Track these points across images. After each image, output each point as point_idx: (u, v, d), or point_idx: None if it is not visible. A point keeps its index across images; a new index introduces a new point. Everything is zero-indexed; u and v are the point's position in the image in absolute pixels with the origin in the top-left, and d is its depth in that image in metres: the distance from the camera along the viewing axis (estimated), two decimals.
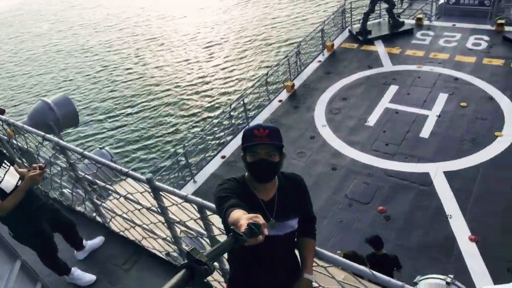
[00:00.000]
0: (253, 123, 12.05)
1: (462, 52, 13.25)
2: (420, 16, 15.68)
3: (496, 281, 6.49)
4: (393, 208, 8.49)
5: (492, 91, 11.22)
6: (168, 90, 21.48)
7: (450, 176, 8.89)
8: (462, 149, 9.54)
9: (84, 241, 4.20)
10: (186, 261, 1.33)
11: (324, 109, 12.05)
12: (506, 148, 9.22)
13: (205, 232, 2.67)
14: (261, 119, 12.27)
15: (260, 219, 1.63)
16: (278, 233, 2.32)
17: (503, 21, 13.93)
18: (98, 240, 4.24)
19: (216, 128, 12.30)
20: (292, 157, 10.42)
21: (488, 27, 14.35)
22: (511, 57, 12.46)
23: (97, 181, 3.47)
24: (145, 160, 16.33)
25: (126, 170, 2.81)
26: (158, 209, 2.82)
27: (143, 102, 20.89)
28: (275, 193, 2.37)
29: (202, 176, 10.68)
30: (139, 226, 3.33)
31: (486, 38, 13.69)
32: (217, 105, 19.11)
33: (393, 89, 12.18)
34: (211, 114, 18.16)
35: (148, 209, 2.96)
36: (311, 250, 2.48)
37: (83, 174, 3.57)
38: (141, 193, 2.82)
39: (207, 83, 21.43)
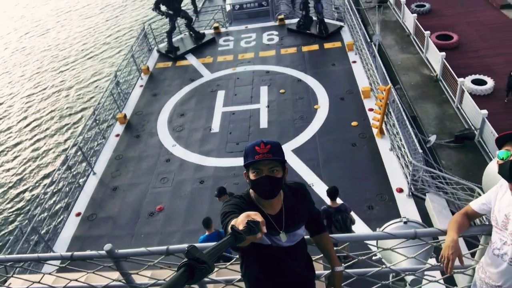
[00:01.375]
0: (96, 166, 11.08)
1: (262, 48, 15.21)
2: (216, 25, 17.15)
3: (366, 220, 7.95)
4: None
5: (297, 74, 13.33)
6: None
7: (297, 152, 10.25)
8: (296, 127, 11.09)
9: None
10: (185, 259, 1.32)
11: (166, 129, 12.01)
12: (326, 115, 11.19)
13: None
14: (103, 159, 11.37)
15: (258, 217, 1.67)
16: (290, 244, 2.40)
17: (282, 16, 16.63)
18: None
19: (58, 186, 10.73)
20: (157, 186, 10.12)
21: (273, 23, 16.89)
22: (299, 43, 15.02)
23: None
24: None
25: (69, 253, 2.35)
26: (122, 280, 2.47)
27: None
28: (281, 206, 2.41)
29: (61, 244, 9.29)
30: None
31: (276, 32, 16.08)
32: (50, 161, 16.60)
33: (221, 94, 13.08)
34: (49, 171, 15.78)
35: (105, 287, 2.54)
36: (329, 243, 2.64)
37: None
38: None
39: (29, 145, 18.21)
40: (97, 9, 32.88)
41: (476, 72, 14.45)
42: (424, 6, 19.66)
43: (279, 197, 2.41)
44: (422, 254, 2.46)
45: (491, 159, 11.55)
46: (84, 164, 11.21)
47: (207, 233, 6.83)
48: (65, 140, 17.87)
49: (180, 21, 16.49)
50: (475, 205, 2.48)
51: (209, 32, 17.07)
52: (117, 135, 12.20)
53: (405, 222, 2.71)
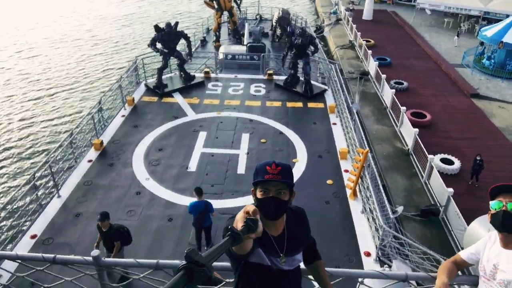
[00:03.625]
0: (63, 189, 10.64)
1: (249, 98, 15.68)
2: (207, 70, 17.68)
3: (332, 279, 7.85)
4: None
5: (279, 127, 13.70)
6: None
7: None
8: None
9: None
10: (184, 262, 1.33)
11: (142, 162, 11.84)
12: (304, 170, 11.40)
13: None
14: (71, 183, 10.97)
15: (256, 212, 1.69)
16: (289, 268, 2.41)
17: (271, 72, 17.41)
18: None
19: (18, 205, 10.14)
20: (122, 218, 9.75)
21: (262, 76, 17.62)
22: (284, 99, 15.61)
23: None
24: None
25: (52, 255, 2.23)
26: None
27: None
28: (284, 228, 2.43)
29: (7, 267, 8.55)
30: None
31: (263, 85, 16.71)
32: (16, 177, 15.77)
33: (202, 135, 13.18)
34: (12, 185, 14.92)
35: None
36: (324, 271, 2.68)
37: None
38: None
39: None
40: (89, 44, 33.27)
41: (445, 151, 15.28)
42: (402, 84, 21.10)
43: (282, 219, 2.44)
44: None
45: (453, 237, 11.91)
46: (50, 185, 10.75)
47: (196, 200, 8.15)
48: (34, 158, 17.19)
49: (172, 61, 16.88)
50: (464, 254, 2.60)
51: (199, 75, 17.52)
52: (90, 161, 11.90)
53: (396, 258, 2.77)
